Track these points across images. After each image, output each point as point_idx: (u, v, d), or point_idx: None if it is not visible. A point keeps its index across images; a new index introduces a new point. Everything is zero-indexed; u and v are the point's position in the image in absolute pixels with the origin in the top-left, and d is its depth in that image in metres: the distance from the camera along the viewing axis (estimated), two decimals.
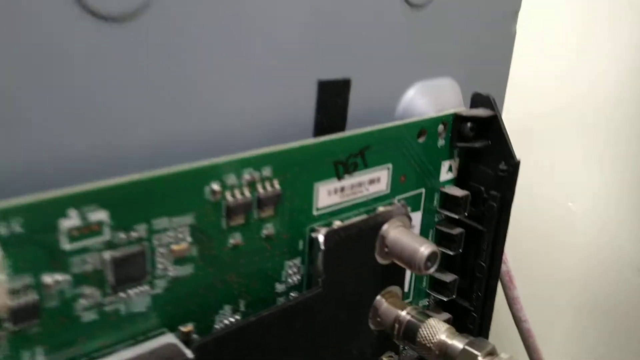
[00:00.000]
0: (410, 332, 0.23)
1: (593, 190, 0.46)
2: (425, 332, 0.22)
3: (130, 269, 0.17)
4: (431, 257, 0.22)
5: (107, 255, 0.17)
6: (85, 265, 0.16)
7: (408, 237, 0.23)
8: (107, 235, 0.16)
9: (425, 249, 0.22)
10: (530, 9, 0.42)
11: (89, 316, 0.17)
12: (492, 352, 0.21)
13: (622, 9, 0.42)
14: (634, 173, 0.43)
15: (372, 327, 0.24)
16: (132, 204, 0.17)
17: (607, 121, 0.44)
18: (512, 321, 0.42)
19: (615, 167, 0.44)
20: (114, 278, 0.17)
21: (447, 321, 0.25)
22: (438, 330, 0.22)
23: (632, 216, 0.44)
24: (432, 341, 0.22)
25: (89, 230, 0.16)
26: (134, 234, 0.17)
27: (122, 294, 0.17)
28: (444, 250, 0.27)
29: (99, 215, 0.16)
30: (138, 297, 0.18)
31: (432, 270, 0.22)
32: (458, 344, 0.21)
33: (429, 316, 0.23)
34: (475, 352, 0.21)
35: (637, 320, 0.46)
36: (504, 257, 0.34)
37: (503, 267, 0.41)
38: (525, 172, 0.27)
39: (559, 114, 0.46)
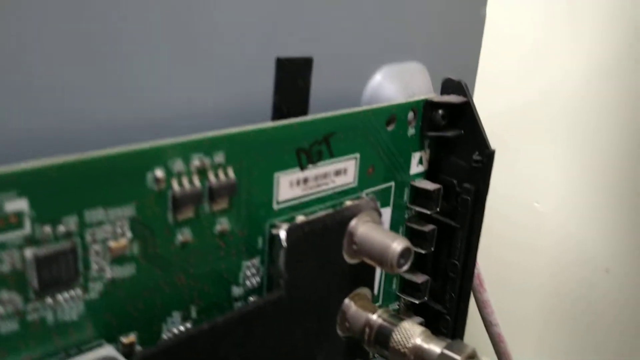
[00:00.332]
0: (382, 337, 0.21)
1: (559, 190, 0.45)
2: (398, 337, 0.20)
3: (58, 270, 0.15)
4: (404, 254, 0.20)
5: (29, 253, 0.14)
6: (2, 266, 0.14)
7: (378, 232, 0.21)
8: (27, 228, 0.14)
9: (397, 244, 0.20)
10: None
11: (8, 326, 0.14)
12: (473, 356, 0.19)
13: (586, 7, 0.41)
14: (599, 173, 0.43)
15: (340, 333, 0.22)
16: (59, 191, 0.14)
17: (572, 121, 0.43)
18: (482, 325, 0.41)
19: (581, 167, 0.44)
20: (38, 280, 0.14)
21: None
22: (413, 333, 0.20)
23: (598, 216, 0.43)
24: (407, 346, 0.20)
25: (5, 222, 0.13)
26: (61, 228, 0.14)
27: (48, 300, 0.15)
28: (415, 249, 0.25)
29: (18, 204, 0.13)
30: (68, 304, 0.15)
31: (405, 267, 0.20)
32: (435, 348, 0.19)
33: (402, 319, 0.21)
34: (455, 356, 0.19)
35: (608, 320, 0.45)
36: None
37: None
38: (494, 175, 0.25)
39: (523, 113, 0.45)
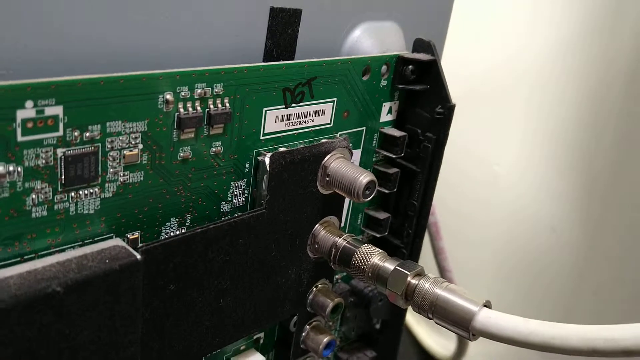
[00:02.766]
0: (345, 257, 0.24)
1: (514, 152, 0.48)
2: (359, 256, 0.24)
3: (82, 169, 0.18)
4: (369, 185, 0.23)
5: (60, 152, 0.17)
6: (38, 160, 0.17)
7: (348, 167, 0.24)
8: (61, 131, 0.17)
9: (364, 177, 0.23)
10: None
11: (39, 212, 0.17)
12: (420, 273, 0.22)
13: None
14: (552, 139, 0.46)
15: (310, 254, 0.25)
16: (88, 103, 0.17)
17: (532, 88, 0.46)
18: (437, 271, 0.45)
19: (536, 132, 0.47)
20: (65, 176, 0.17)
21: None
22: (372, 254, 0.23)
23: (549, 180, 0.47)
24: (366, 264, 0.23)
25: (44, 124, 0.16)
26: (87, 134, 0.17)
27: (72, 194, 0.18)
28: (380, 189, 0.29)
29: (55, 110, 0.16)
30: (87, 199, 0.18)
31: (369, 198, 0.23)
32: (389, 265, 0.23)
33: (363, 242, 0.24)
34: (405, 271, 0.22)
35: (551, 277, 0.49)
36: (432, 209, 0.36)
37: (431, 218, 0.44)
38: (456, 133, 0.28)
39: (488, 76, 0.48)
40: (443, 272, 0.44)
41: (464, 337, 0.20)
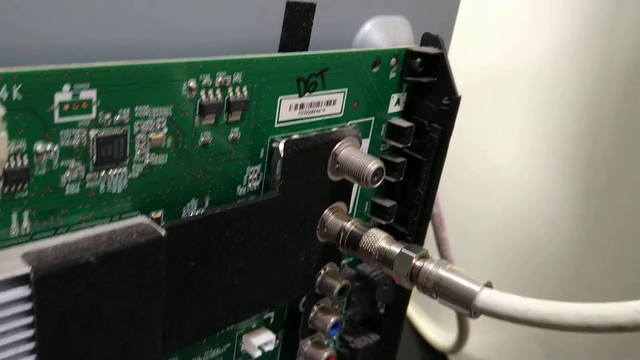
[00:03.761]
0: (353, 240, 0.25)
1: (516, 147, 0.50)
2: (366, 240, 0.25)
3: (112, 150, 0.19)
4: (378, 172, 0.24)
5: (93, 133, 0.18)
6: (73, 140, 0.18)
7: (358, 154, 0.25)
8: (94, 114, 0.18)
9: (373, 164, 0.24)
10: None
11: (72, 189, 0.18)
12: (425, 256, 0.24)
13: None
14: (553, 135, 0.47)
15: (319, 238, 0.27)
16: (119, 88, 0.18)
17: (534, 84, 0.47)
18: None
19: (537, 128, 0.48)
20: (97, 156, 0.19)
21: None
22: (378, 237, 0.25)
23: (549, 175, 0.48)
24: (373, 247, 0.25)
25: (78, 107, 0.17)
26: (117, 117, 0.19)
27: (102, 173, 0.19)
28: (386, 178, 0.30)
29: (89, 94, 0.18)
30: (116, 178, 0.19)
31: (377, 184, 0.25)
32: (395, 248, 0.24)
33: (370, 227, 0.25)
34: (411, 254, 0.24)
35: (550, 271, 0.50)
36: (436, 200, 0.37)
37: (435, 210, 0.45)
38: (459, 127, 0.29)
39: (492, 71, 0.50)
40: None
41: (465, 315, 0.21)
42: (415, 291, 0.33)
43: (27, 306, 0.17)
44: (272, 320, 0.28)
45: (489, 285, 0.21)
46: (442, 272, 0.22)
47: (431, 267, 0.23)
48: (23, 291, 0.17)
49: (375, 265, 0.25)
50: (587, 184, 0.47)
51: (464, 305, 0.21)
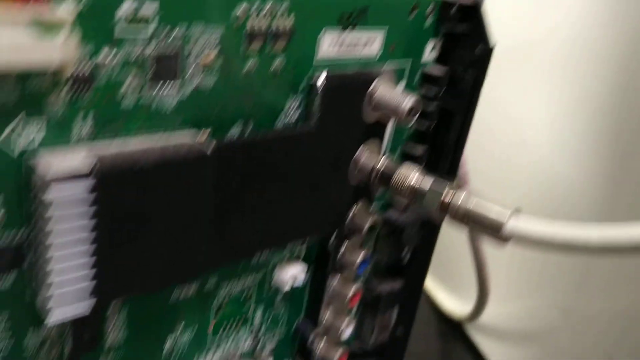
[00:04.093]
0: (386, 176, 0.26)
1: (544, 119, 0.50)
2: (399, 175, 0.26)
3: (167, 67, 0.20)
4: (414, 107, 0.25)
5: (150, 48, 0.19)
6: (132, 55, 0.19)
7: (395, 91, 0.26)
8: (152, 30, 0.19)
9: (410, 99, 0.25)
10: None
11: (128, 102, 0.20)
12: (455, 187, 0.25)
13: None
14: (579, 107, 0.48)
15: (351, 177, 0.27)
16: (178, 6, 0.19)
17: (567, 64, 0.48)
18: None
19: (564, 94, 0.49)
20: (153, 72, 0.20)
21: None
22: (411, 171, 0.26)
23: (575, 145, 0.48)
24: (406, 180, 0.25)
25: (139, 22, 0.19)
26: (173, 35, 0.20)
27: (156, 89, 0.20)
28: (417, 127, 0.31)
29: (150, 8, 0.19)
30: (169, 94, 0.21)
31: (413, 120, 0.26)
32: (427, 180, 0.25)
33: (402, 164, 0.26)
34: (442, 184, 0.24)
35: None
36: (462, 160, 0.38)
37: (461, 171, 0.46)
38: (487, 96, 0.30)
39: (527, 48, 0.50)
40: None
41: (495, 241, 0.22)
42: (433, 263, 0.34)
43: (88, 200, 0.18)
44: (302, 257, 0.29)
45: (518, 210, 0.22)
46: (473, 200, 0.23)
47: (462, 195, 0.24)
48: (85, 185, 0.18)
49: (407, 199, 0.26)
50: (613, 153, 0.47)
51: (494, 230, 0.22)
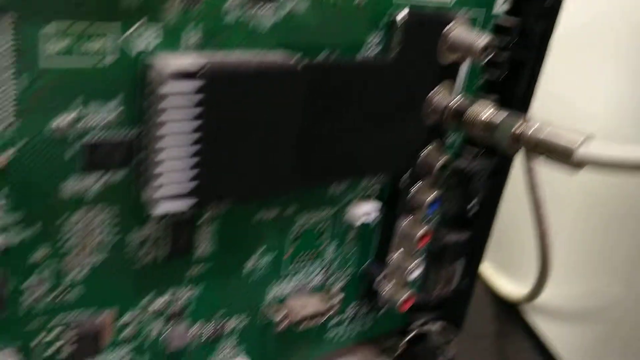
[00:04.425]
0: (459, 113, 0.28)
1: (602, 102, 0.50)
2: (473, 110, 0.27)
3: None
4: (488, 45, 0.27)
5: None
6: None
7: (470, 31, 0.27)
8: None
9: (484, 37, 0.26)
10: None
11: (230, 19, 0.22)
12: (527, 119, 0.26)
13: None
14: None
15: (425, 116, 0.29)
16: None
17: (624, 37, 0.47)
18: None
19: (626, 87, 0.48)
20: None
21: None
22: (485, 106, 0.27)
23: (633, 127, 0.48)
24: (479, 114, 0.27)
25: None
26: None
27: (254, 9, 0.22)
28: (488, 76, 0.32)
29: None
30: (266, 14, 0.23)
31: (487, 58, 0.27)
32: (501, 114, 0.26)
33: (475, 101, 0.28)
34: (515, 117, 0.26)
35: (636, 225, 0.49)
36: None
37: None
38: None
39: (594, 31, 0.50)
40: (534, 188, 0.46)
41: (568, 167, 0.23)
42: (491, 247, 0.35)
43: (196, 100, 0.20)
44: (375, 197, 0.31)
45: (590, 137, 0.23)
46: (545, 129, 0.24)
47: (535, 125, 0.25)
48: (195, 84, 0.20)
49: (480, 133, 0.27)
50: None
51: (566, 156, 0.23)
